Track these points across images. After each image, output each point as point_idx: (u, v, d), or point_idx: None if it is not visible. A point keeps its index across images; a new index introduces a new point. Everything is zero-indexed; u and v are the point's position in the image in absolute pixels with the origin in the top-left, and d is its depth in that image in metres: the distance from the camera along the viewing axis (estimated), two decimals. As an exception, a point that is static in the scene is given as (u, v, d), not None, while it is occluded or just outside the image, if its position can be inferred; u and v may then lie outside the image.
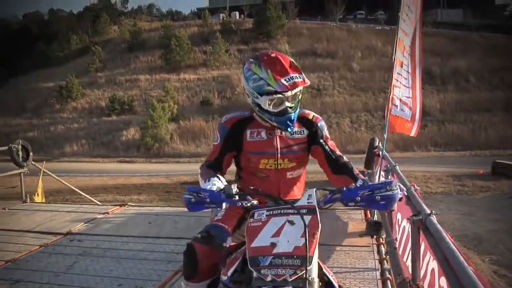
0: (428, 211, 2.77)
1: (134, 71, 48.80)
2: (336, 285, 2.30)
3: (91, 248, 5.80)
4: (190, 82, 45.29)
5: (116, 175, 27.74)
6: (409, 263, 3.29)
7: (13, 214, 7.81)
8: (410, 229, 3.11)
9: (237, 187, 2.45)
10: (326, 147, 2.94)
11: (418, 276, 2.83)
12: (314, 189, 2.31)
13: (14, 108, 46.62)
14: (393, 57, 5.36)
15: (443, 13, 55.58)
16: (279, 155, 2.86)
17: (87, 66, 50.06)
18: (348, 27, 51.06)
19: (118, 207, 8.05)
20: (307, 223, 2.12)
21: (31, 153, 9.05)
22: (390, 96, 5.29)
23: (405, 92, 5.52)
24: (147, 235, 6.26)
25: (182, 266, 2.77)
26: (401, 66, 5.33)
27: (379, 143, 6.55)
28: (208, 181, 2.62)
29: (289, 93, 2.63)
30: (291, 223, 2.15)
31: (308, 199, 2.25)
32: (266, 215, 2.24)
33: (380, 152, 5.76)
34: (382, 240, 5.08)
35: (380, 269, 4.56)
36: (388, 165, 4.92)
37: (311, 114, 2.99)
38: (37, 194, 9.52)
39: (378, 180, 5.79)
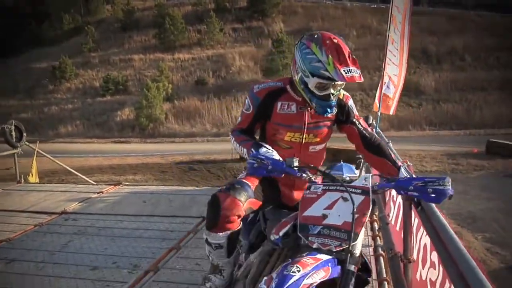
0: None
1: (128, 51, 48.42)
2: (370, 267, 2.46)
3: (85, 227, 5.83)
4: (185, 62, 45.01)
5: (111, 156, 27.70)
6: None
7: (8, 195, 7.82)
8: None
9: (298, 161, 2.56)
10: (360, 127, 3.04)
11: (409, 250, 2.85)
12: (371, 174, 2.51)
13: (7, 89, 46.15)
14: (386, 34, 5.35)
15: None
16: (305, 129, 2.92)
17: (80, 46, 49.54)
18: (343, 6, 50.67)
19: (112, 186, 8.07)
20: (359, 202, 2.25)
21: (24, 134, 9.02)
22: (383, 74, 5.28)
23: (394, 70, 5.51)
24: (141, 214, 6.29)
25: (206, 215, 2.86)
26: (392, 44, 5.32)
27: (373, 121, 6.56)
28: (260, 147, 2.75)
29: (340, 82, 2.67)
30: (345, 199, 2.27)
31: (364, 181, 2.37)
32: (322, 189, 2.39)
33: (374, 130, 5.76)
34: (375, 216, 5.10)
35: (373, 246, 4.60)
36: (382, 143, 4.93)
37: (341, 93, 2.97)
38: (31, 175, 9.53)
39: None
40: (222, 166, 23.43)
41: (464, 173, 21.08)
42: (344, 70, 2.57)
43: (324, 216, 2.26)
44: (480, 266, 1.85)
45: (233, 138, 3.03)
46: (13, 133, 8.77)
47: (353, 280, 2.17)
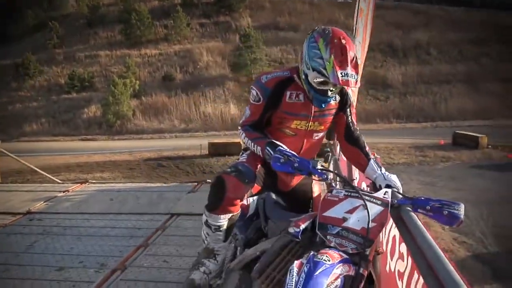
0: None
1: (94, 47, 47.64)
2: (374, 278, 2.49)
3: (51, 227, 5.71)
4: (152, 57, 44.54)
5: (78, 154, 27.24)
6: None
7: (-31, 195, 7.60)
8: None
9: (321, 164, 2.66)
10: (350, 117, 3.13)
11: (378, 242, 2.86)
12: (391, 189, 2.58)
13: (-32, 87, 45.10)
14: (353, 28, 5.35)
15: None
16: (311, 118, 2.97)
17: (44, 42, 48.53)
18: (310, 0, 50.85)
19: (79, 184, 7.94)
20: (378, 212, 2.35)
21: (-14, 132, 8.76)
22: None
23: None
24: (108, 212, 6.20)
25: (208, 197, 2.93)
26: (358, 36, 5.32)
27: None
28: (276, 146, 2.74)
29: (336, 84, 2.69)
30: (365, 207, 2.33)
31: (384, 195, 2.46)
32: (344, 194, 2.46)
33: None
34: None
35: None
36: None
37: None
38: (-6, 174, 9.29)
39: (339, 152, 5.85)
40: (191, 162, 23.28)
41: (431, 164, 21.41)
42: (341, 73, 2.60)
43: (344, 219, 2.34)
44: (447, 256, 1.86)
45: (244, 134, 3.03)
46: (-26, 132, 8.51)
47: (363, 283, 2.25)
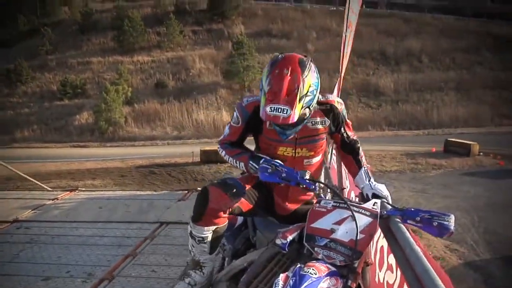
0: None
1: (86, 53, 47.55)
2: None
3: (39, 235, 5.62)
4: (144, 64, 44.51)
5: (69, 161, 27.12)
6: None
7: (-44, 203, 7.50)
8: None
9: (310, 175, 2.61)
10: (345, 135, 3.04)
11: (368, 253, 2.83)
12: (380, 200, 2.56)
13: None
14: (343, 35, 5.34)
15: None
16: (296, 144, 2.85)
17: (36, 48, 48.38)
18: (303, 8, 51.03)
19: (68, 192, 7.85)
20: (366, 223, 2.33)
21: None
22: (341, 75, 5.27)
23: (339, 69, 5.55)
24: (97, 220, 6.12)
25: (193, 208, 2.85)
26: (347, 47, 5.32)
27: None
28: (260, 159, 2.72)
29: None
30: (353, 218, 2.31)
31: (373, 205, 2.44)
32: (333, 205, 2.44)
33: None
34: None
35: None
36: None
37: (335, 101, 2.93)
38: (-17, 181, 9.19)
39: (330, 159, 5.83)
40: (183, 169, 23.25)
41: (423, 172, 21.48)
42: (270, 108, 2.49)
43: (332, 231, 2.32)
44: (436, 266, 1.86)
45: (224, 152, 3.00)
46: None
47: None
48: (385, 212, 2.45)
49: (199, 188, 7.91)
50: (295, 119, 2.53)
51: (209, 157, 23.72)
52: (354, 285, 2.24)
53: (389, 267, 2.56)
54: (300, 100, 2.52)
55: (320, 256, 2.27)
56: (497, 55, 39.36)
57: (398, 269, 2.30)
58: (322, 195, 2.60)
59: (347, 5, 5.25)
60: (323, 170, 6.12)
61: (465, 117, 33.94)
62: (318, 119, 2.85)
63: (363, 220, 2.32)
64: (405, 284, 2.18)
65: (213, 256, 2.97)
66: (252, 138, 3.04)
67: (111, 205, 6.90)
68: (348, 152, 3.03)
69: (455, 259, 12.50)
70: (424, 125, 34.57)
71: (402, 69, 40.86)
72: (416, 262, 1.95)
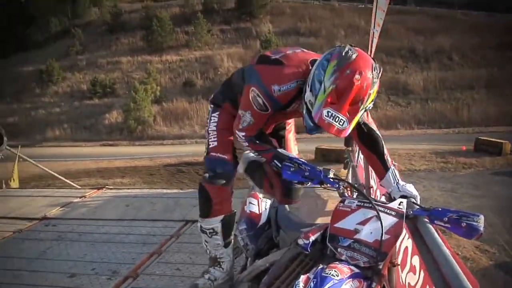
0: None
1: (116, 53, 48.11)
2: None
3: (65, 233, 5.70)
4: (173, 64, 44.79)
5: (99, 159, 27.41)
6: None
7: (-13, 201, 7.65)
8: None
9: (334, 173, 2.51)
10: (360, 121, 2.71)
11: (394, 254, 2.78)
12: (406, 199, 2.44)
13: (-7, 93, 45.95)
14: (372, 31, 5.27)
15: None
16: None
17: (67, 49, 49.21)
18: (331, 6, 50.69)
19: (95, 190, 7.93)
20: (391, 224, 2.23)
21: (5, 138, 8.82)
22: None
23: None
24: (123, 218, 6.17)
25: (198, 205, 2.97)
26: (372, 40, 5.25)
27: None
28: (284, 157, 2.59)
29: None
30: (378, 218, 2.22)
31: (399, 205, 2.34)
32: (357, 205, 2.34)
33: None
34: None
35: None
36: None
37: None
38: (13, 180, 9.35)
39: (358, 156, 5.75)
40: (202, 168, 23.29)
41: (453, 171, 21.08)
42: (327, 112, 2.25)
43: (356, 231, 2.24)
44: (465, 270, 1.80)
45: (247, 144, 2.80)
46: (-7, 138, 8.58)
47: None
48: (411, 212, 2.36)
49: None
50: (348, 134, 2.36)
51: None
52: (379, 287, 2.18)
53: (412, 269, 2.50)
54: (360, 113, 2.33)
55: (343, 257, 2.21)
56: (530, 52, 38.49)
57: (422, 270, 2.24)
58: (346, 194, 2.53)
59: (375, 2, 5.18)
60: (350, 169, 6.04)
61: (496, 116, 33.18)
62: None
63: (388, 220, 2.23)
64: (427, 286, 2.13)
65: (229, 250, 2.98)
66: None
67: (138, 203, 6.95)
68: (371, 149, 2.73)
69: (485, 260, 12.21)
70: (454, 124, 33.95)
71: (432, 66, 40.21)
72: (444, 264, 1.89)
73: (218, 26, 49.13)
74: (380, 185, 2.86)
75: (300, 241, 2.40)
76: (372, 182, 4.28)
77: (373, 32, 5.31)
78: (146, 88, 37.43)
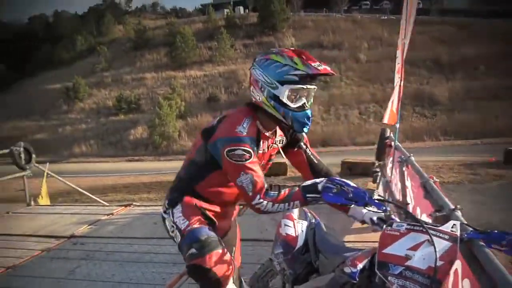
0: (452, 206, 2.58)
1: (140, 69, 48.75)
2: None
3: (94, 252, 5.64)
4: (197, 79, 45.15)
5: (125, 175, 27.65)
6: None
7: (17, 218, 7.68)
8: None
9: (379, 194, 2.37)
10: (308, 152, 2.83)
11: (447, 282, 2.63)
12: (459, 222, 2.24)
13: (22, 111, 46.86)
14: (402, 42, 5.14)
15: (449, 0, 55.01)
16: (265, 165, 2.69)
17: (93, 66, 50.13)
18: (354, 18, 50.65)
19: (123, 207, 7.88)
20: (445, 248, 2.07)
21: (33, 155, 8.86)
22: (400, 84, 5.07)
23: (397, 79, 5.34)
24: (152, 236, 6.07)
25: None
26: (403, 51, 5.12)
27: (390, 133, 6.31)
28: (311, 187, 2.41)
29: (313, 86, 2.46)
30: (431, 243, 2.06)
31: (452, 228, 2.16)
32: (406, 228, 2.18)
33: (392, 143, 5.52)
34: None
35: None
36: (402, 156, 4.65)
37: None
38: (41, 197, 9.37)
39: (391, 173, 5.58)
40: (236, 182, 23.23)
41: (483, 183, 20.67)
42: (314, 64, 2.38)
43: (408, 257, 2.07)
44: None
45: (270, 204, 2.45)
46: (22, 155, 8.61)
47: None
48: (465, 235, 2.17)
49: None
50: (334, 72, 2.50)
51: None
52: None
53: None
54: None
55: (394, 286, 2.04)
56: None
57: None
58: (393, 216, 2.37)
59: (404, 12, 5.06)
60: (381, 184, 5.84)
61: (525, 126, 32.57)
62: (279, 138, 2.72)
63: (441, 245, 2.06)
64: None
65: None
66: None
67: (166, 220, 6.86)
68: (323, 176, 2.63)
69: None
70: (481, 134, 33.34)
71: (457, 77, 39.75)
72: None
73: (241, 41, 49.44)
74: (348, 215, 2.65)
75: (347, 269, 2.27)
76: (408, 199, 4.13)
77: (404, 43, 5.17)
78: (171, 103, 37.72)
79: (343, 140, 34.04)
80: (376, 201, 2.32)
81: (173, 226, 2.70)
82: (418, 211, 3.57)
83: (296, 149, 2.81)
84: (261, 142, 2.57)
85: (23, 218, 7.63)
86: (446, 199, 2.77)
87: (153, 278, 4.68)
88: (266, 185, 2.45)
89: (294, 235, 2.92)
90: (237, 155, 2.42)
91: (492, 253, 2.03)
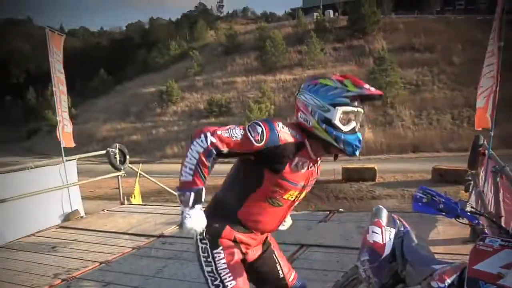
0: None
1: (231, 73, 49.58)
2: None
3: (181, 252, 5.76)
4: (286, 83, 45.23)
5: (214, 176, 28.09)
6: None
7: (111, 216, 8.04)
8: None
9: (471, 205, 2.32)
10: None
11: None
12: None
13: (119, 113, 49.24)
14: (498, 44, 4.87)
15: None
16: (305, 187, 2.56)
17: (185, 70, 51.62)
18: (447, 19, 48.67)
19: (211, 209, 8.01)
20: None
21: (127, 156, 9.24)
22: (497, 88, 4.80)
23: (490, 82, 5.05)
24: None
25: None
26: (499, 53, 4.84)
27: (484, 141, 5.95)
28: (419, 188, 2.44)
29: (361, 110, 2.46)
30: None
31: None
32: (500, 244, 2.05)
33: (486, 151, 5.23)
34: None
35: None
36: (496, 166, 4.39)
37: None
38: (134, 196, 9.75)
39: (484, 184, 5.30)
40: (324, 186, 23.01)
41: None
42: (365, 86, 2.43)
43: (500, 276, 1.94)
44: None
45: (200, 150, 2.35)
46: (117, 156, 9.00)
47: None
48: None
49: (341, 210, 7.69)
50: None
51: (350, 175, 23.37)
52: None
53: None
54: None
55: None
56: None
57: None
58: (486, 230, 2.22)
59: (498, 13, 4.79)
60: (474, 194, 5.54)
61: None
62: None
63: None
64: None
65: None
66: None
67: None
68: None
69: None
70: None
71: None
72: None
73: (331, 44, 48.99)
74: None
75: (434, 284, 2.16)
76: (502, 212, 3.87)
77: (499, 46, 4.90)
78: (261, 107, 38.06)
79: (435, 146, 32.75)
80: (468, 213, 2.21)
81: (214, 274, 2.66)
82: (512, 225, 3.35)
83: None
84: (297, 160, 2.43)
85: (117, 216, 7.98)
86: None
87: (238, 280, 4.72)
88: (217, 149, 2.35)
89: (382, 243, 2.81)
90: (252, 128, 2.34)
91: None
